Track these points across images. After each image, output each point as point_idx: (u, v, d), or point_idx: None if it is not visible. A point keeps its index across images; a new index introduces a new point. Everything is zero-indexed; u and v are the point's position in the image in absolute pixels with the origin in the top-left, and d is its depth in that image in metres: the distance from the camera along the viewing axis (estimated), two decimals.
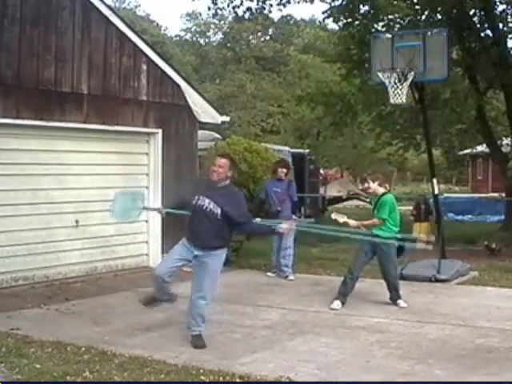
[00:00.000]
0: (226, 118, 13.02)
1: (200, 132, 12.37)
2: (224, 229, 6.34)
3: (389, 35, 10.71)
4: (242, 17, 18.42)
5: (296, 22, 55.10)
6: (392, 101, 10.02)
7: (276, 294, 9.08)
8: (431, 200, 12.46)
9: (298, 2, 17.11)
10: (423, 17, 15.35)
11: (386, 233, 8.09)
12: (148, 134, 10.98)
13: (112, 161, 10.39)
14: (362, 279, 8.76)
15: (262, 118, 44.01)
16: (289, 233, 8.45)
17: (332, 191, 27.15)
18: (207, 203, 6.27)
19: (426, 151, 12.59)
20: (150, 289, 8.19)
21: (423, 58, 9.76)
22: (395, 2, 14.81)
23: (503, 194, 17.60)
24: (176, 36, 60.25)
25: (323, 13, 16.11)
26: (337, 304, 8.08)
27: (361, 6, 15.59)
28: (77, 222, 9.90)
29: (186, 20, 61.29)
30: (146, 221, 10.63)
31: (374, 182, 8.36)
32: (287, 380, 5.35)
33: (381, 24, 15.52)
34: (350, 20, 15.81)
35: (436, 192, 10.71)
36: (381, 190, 8.33)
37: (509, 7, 15.26)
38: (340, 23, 16.34)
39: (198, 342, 6.29)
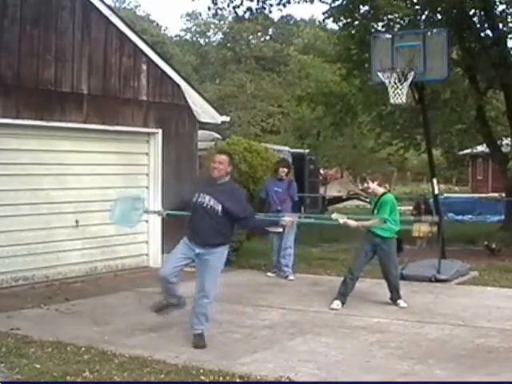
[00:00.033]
0: (226, 118, 13.02)
1: (200, 132, 12.37)
2: (225, 225, 6.31)
3: (389, 35, 10.73)
4: (242, 17, 18.40)
5: (296, 22, 55.17)
6: (392, 101, 10.02)
7: (276, 293, 9.07)
8: (431, 200, 12.46)
9: (298, 2, 17.12)
10: (423, 17, 15.34)
11: (386, 232, 8.12)
12: (148, 134, 10.98)
13: (112, 161, 10.39)
14: (362, 279, 8.75)
15: (261, 118, 43.99)
16: (292, 225, 8.48)
17: (332, 191, 27.12)
18: (208, 200, 6.24)
19: (426, 151, 12.57)
20: (149, 289, 8.25)
21: (423, 58, 9.77)
22: (395, 2, 14.77)
23: (503, 194, 17.59)
24: (176, 36, 60.42)
25: (323, 13, 16.10)
26: (337, 304, 8.08)
27: (361, 6, 15.54)
28: (77, 221, 9.90)
29: (186, 20, 61.55)
30: (146, 221, 10.61)
31: (373, 181, 8.35)
32: (287, 380, 5.35)
33: (381, 24, 15.52)
34: (349, 20, 15.79)
35: (436, 192, 10.70)
36: (380, 190, 8.32)
37: (509, 7, 15.24)
38: (340, 23, 16.31)
39: (199, 342, 6.28)
